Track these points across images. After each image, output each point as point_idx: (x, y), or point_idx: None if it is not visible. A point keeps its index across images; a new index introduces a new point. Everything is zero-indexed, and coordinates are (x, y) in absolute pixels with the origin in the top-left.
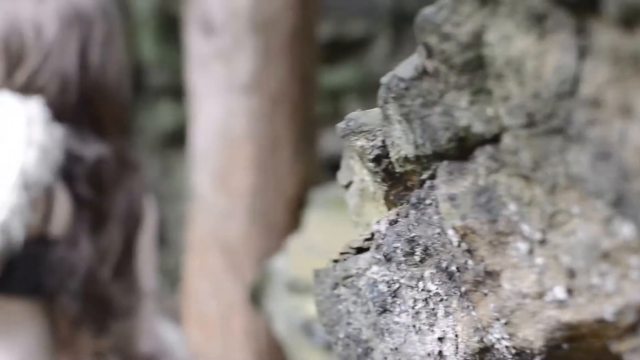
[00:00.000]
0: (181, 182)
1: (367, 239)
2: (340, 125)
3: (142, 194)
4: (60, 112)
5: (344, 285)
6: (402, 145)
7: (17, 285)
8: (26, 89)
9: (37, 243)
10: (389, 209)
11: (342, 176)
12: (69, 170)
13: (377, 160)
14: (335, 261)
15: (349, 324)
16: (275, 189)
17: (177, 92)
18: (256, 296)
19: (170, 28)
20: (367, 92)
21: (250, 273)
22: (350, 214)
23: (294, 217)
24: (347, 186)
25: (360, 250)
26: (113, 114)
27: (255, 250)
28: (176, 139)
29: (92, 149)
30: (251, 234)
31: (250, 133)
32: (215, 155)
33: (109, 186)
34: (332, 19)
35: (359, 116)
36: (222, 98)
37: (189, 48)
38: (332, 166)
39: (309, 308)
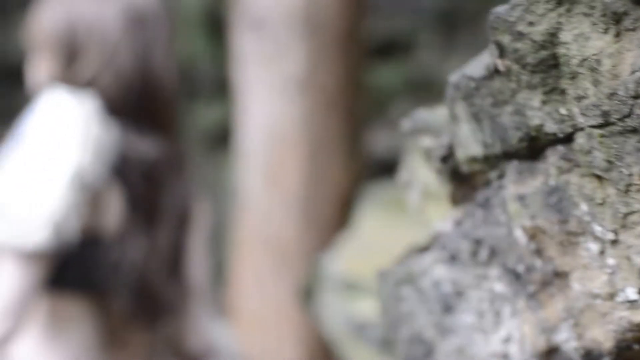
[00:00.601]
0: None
1: (430, 239)
2: (405, 123)
3: (193, 190)
4: (119, 109)
5: (407, 285)
6: (470, 144)
7: (70, 282)
8: (86, 86)
9: (91, 241)
10: (453, 208)
11: (402, 175)
12: (125, 168)
13: (443, 159)
14: (398, 261)
15: (411, 323)
16: (325, 189)
17: (224, 91)
18: (306, 295)
19: (217, 27)
20: (413, 92)
21: (299, 272)
22: (410, 213)
23: (343, 216)
24: (407, 185)
25: (423, 249)
26: (169, 111)
27: (304, 249)
28: (222, 138)
29: (150, 146)
30: (301, 233)
31: (300, 132)
32: (264, 154)
33: (163, 182)
34: (378, 17)
35: (424, 115)
36: (272, 97)
37: (239, 48)
38: (378, 166)
39: (361, 307)
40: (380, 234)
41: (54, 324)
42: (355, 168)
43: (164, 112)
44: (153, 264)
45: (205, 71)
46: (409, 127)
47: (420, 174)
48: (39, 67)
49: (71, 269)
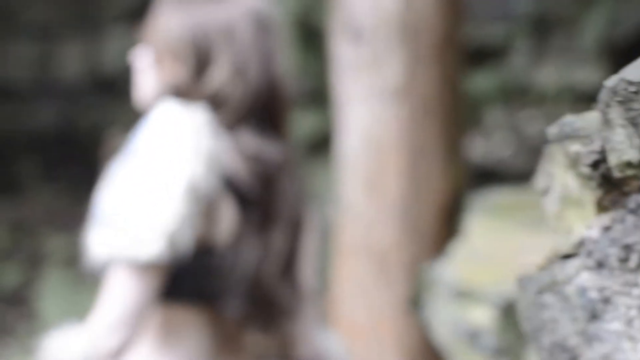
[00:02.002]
0: (324, 188)
1: (574, 245)
2: (553, 129)
3: (304, 194)
4: (245, 115)
5: (550, 292)
6: (625, 150)
7: (184, 293)
8: (214, 92)
9: (205, 251)
10: (599, 214)
11: (539, 182)
12: (238, 177)
13: (594, 165)
14: (539, 267)
15: (554, 330)
16: (426, 196)
17: (317, 99)
18: (414, 303)
19: (311, 37)
20: (507, 98)
21: (400, 280)
22: (548, 219)
23: (444, 224)
24: (544, 192)
25: (567, 256)
26: (287, 116)
27: (405, 257)
28: (318, 146)
29: (273, 151)
30: (401, 241)
31: (400, 140)
32: (364, 162)
33: (280, 186)
34: (471, 24)
35: (574, 120)
36: (370, 105)
37: (336, 55)
38: (474, 173)
39: (474, 315)
40: (491, 241)
41: (168, 334)
42: (455, 175)
43: (283, 117)
44: (268, 267)
45: (300, 80)
46: (555, 132)
47: (560, 180)
48: (160, 76)
49: (185, 280)
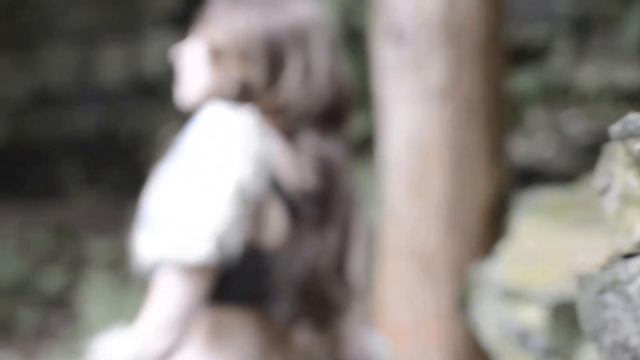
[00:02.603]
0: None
1: (636, 245)
2: (616, 127)
3: (354, 192)
4: (309, 117)
5: (611, 292)
6: None
7: (233, 295)
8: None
9: (253, 254)
10: None
11: (598, 181)
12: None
13: None
14: (601, 267)
15: (616, 330)
16: (470, 197)
17: (360, 101)
18: (461, 304)
19: (352, 38)
20: (548, 98)
21: (445, 282)
22: (607, 218)
23: (489, 225)
24: (604, 191)
25: (629, 255)
26: (348, 118)
27: (449, 258)
28: (362, 148)
29: (333, 153)
30: (446, 242)
31: (443, 141)
32: (407, 163)
33: (338, 188)
34: (512, 24)
35: (637, 118)
36: (414, 106)
37: (378, 57)
38: (516, 173)
39: (523, 315)
40: (539, 241)
41: (217, 337)
42: (500, 176)
43: (345, 119)
44: (323, 267)
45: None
46: (618, 130)
47: (621, 179)
48: (216, 75)
49: (234, 282)
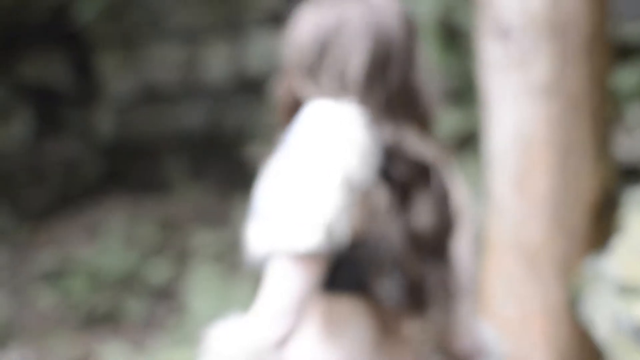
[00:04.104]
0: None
1: None
2: None
3: (461, 189)
4: (392, 111)
5: None
6: None
7: (343, 283)
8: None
9: (360, 241)
10: None
11: None
12: (390, 167)
13: None
14: None
15: None
16: (575, 193)
17: (459, 97)
18: (572, 299)
19: (452, 35)
20: None
21: (550, 277)
22: None
23: (595, 220)
24: None
25: None
26: (432, 113)
27: (555, 254)
28: (460, 144)
29: (414, 145)
30: (551, 237)
31: (548, 137)
32: (513, 159)
33: (426, 180)
34: (614, 21)
35: None
36: (519, 103)
37: (484, 54)
38: (619, 170)
39: (639, 311)
40: None
41: (331, 324)
42: (605, 172)
43: (429, 113)
44: (413, 252)
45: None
46: None
47: None
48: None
49: (344, 270)
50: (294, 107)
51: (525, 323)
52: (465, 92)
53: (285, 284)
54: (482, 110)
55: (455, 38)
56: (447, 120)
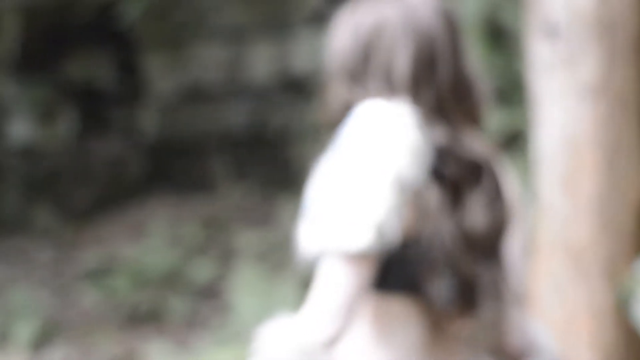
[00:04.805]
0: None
1: None
2: None
3: (513, 189)
4: (443, 110)
5: None
6: None
7: (394, 283)
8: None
9: (412, 241)
10: None
11: None
12: (442, 167)
13: None
14: None
15: None
16: (623, 193)
17: (504, 97)
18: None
19: (496, 34)
20: None
21: (597, 277)
22: None
23: None
24: None
25: None
26: (481, 111)
27: (602, 254)
28: (505, 144)
29: (467, 144)
30: (598, 238)
31: (596, 137)
32: (560, 159)
33: (477, 177)
34: None
35: None
36: (567, 102)
37: (531, 54)
38: None
39: None
40: None
41: (383, 325)
42: None
43: (477, 111)
44: (466, 252)
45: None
46: None
47: None
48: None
49: (395, 270)
50: (343, 111)
51: (571, 323)
52: (510, 92)
53: (336, 284)
54: (529, 110)
55: (500, 38)
56: (491, 120)
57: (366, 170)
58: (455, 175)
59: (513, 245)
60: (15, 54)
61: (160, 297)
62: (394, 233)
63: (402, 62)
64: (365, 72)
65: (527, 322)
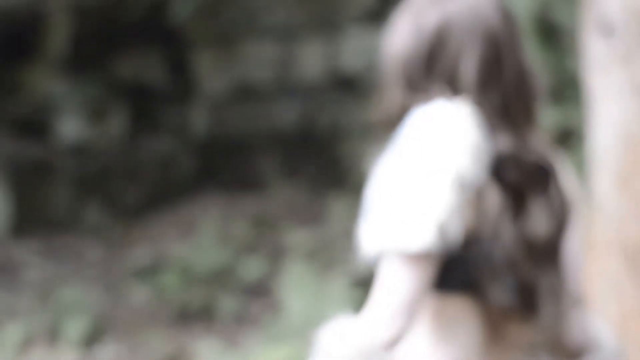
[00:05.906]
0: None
1: None
2: None
3: (572, 189)
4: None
5: None
6: None
7: (454, 283)
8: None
9: (472, 241)
10: None
11: None
12: (502, 167)
13: None
14: None
15: None
16: None
17: (556, 95)
18: None
19: (548, 31)
20: None
21: None
22: None
23: None
24: None
25: None
26: (537, 109)
27: None
28: (558, 142)
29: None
30: None
31: None
32: (616, 157)
33: (542, 183)
34: None
35: None
36: (623, 100)
37: (587, 51)
38: None
39: None
40: None
41: (443, 325)
42: None
43: (534, 109)
44: (527, 256)
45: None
46: None
47: None
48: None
49: (455, 270)
50: (400, 112)
51: (627, 323)
52: (562, 89)
53: (397, 284)
54: (582, 107)
55: (553, 35)
56: (545, 118)
57: (427, 169)
58: (518, 181)
59: (571, 245)
60: (67, 53)
61: (210, 295)
62: (456, 233)
63: (470, 63)
64: (428, 74)
65: (587, 319)
